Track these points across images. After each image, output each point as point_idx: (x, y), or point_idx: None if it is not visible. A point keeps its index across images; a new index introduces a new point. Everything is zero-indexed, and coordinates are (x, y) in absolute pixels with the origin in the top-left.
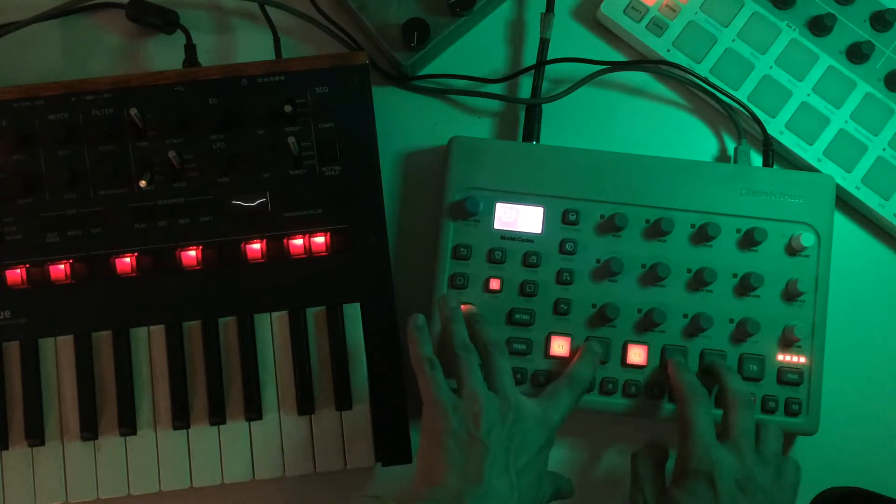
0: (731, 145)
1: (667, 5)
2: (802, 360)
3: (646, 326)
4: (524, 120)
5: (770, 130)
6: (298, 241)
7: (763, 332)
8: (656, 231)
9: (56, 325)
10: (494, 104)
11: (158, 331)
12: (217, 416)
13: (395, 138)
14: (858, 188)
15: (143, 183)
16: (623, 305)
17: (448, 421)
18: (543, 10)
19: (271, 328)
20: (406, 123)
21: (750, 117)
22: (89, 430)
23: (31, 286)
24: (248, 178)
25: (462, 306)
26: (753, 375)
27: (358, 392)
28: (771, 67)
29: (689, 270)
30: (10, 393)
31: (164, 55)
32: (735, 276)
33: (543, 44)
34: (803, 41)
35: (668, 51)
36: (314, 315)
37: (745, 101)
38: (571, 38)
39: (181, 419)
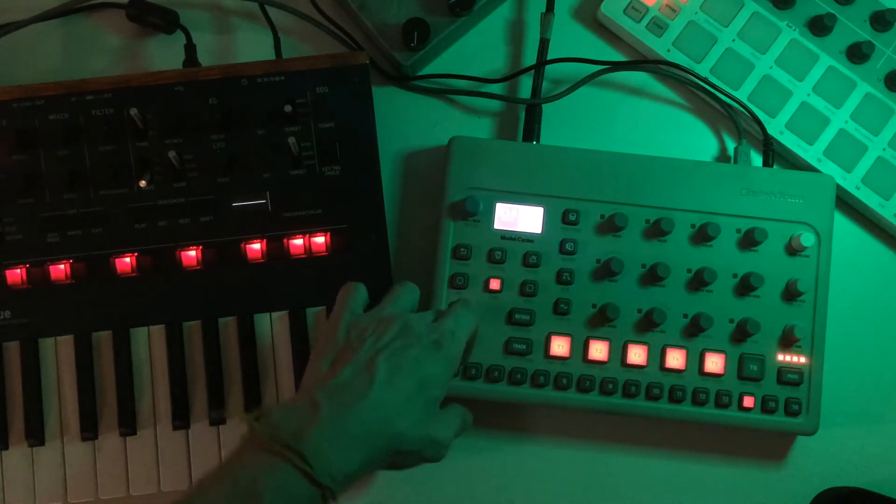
0: (731, 145)
1: (667, 5)
2: (802, 360)
3: (646, 326)
4: (524, 120)
5: (770, 130)
6: (298, 241)
7: (763, 332)
8: (656, 231)
9: (56, 325)
10: (494, 104)
11: (158, 331)
12: (217, 416)
13: (395, 138)
14: (858, 188)
15: (143, 183)
16: (623, 305)
17: (335, 333)
18: (543, 10)
19: (271, 328)
20: (406, 123)
21: (750, 117)
22: (89, 430)
23: (31, 286)
24: (248, 178)
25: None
26: (753, 375)
27: None
28: (771, 67)
29: (689, 270)
30: (10, 393)
31: (164, 55)
32: (735, 276)
33: (543, 44)
34: (803, 41)
35: (668, 51)
36: (314, 315)
37: (745, 101)
38: (571, 38)
39: (181, 419)
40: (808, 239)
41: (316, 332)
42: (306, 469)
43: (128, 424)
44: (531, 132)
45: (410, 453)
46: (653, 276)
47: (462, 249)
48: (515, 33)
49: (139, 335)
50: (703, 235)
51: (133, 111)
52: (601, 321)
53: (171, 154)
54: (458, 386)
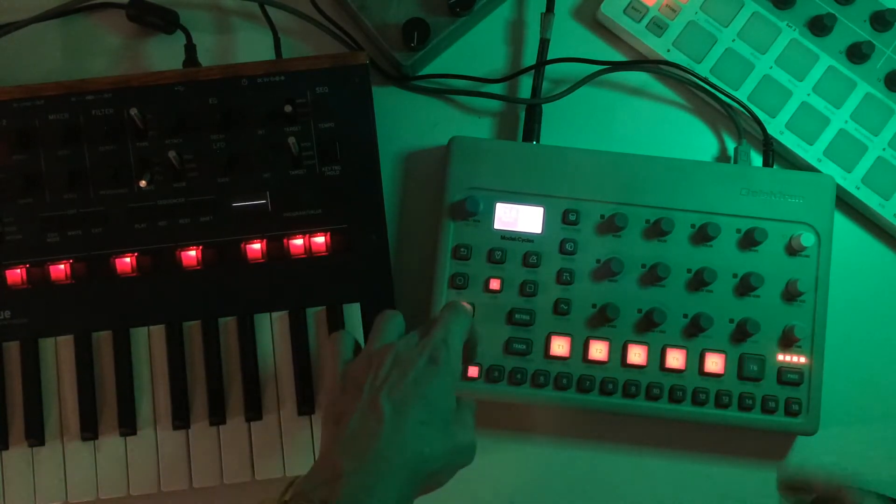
0: (731, 145)
1: (667, 5)
2: (802, 360)
3: (646, 326)
4: (524, 120)
5: (770, 130)
6: (298, 241)
7: (763, 332)
8: (656, 231)
9: (56, 325)
10: (494, 104)
11: (158, 331)
12: (217, 416)
13: (395, 138)
14: (858, 188)
15: (143, 183)
16: (623, 305)
17: (334, 388)
18: (543, 10)
19: (271, 328)
20: (406, 123)
21: (750, 117)
22: (89, 430)
23: (31, 286)
24: (248, 178)
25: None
26: (753, 375)
27: None
28: (771, 67)
29: (689, 270)
30: (10, 393)
31: (164, 55)
32: (735, 276)
33: (543, 44)
34: (803, 41)
35: (668, 51)
36: (314, 315)
37: (745, 101)
38: (571, 38)
39: (181, 419)
40: (808, 239)
41: (318, 396)
42: None
43: (128, 424)
44: (531, 132)
45: (442, 470)
46: (653, 276)
47: (462, 249)
48: (515, 33)
49: (139, 335)
50: (703, 235)
51: (133, 111)
52: (601, 321)
53: (171, 154)
54: (458, 386)
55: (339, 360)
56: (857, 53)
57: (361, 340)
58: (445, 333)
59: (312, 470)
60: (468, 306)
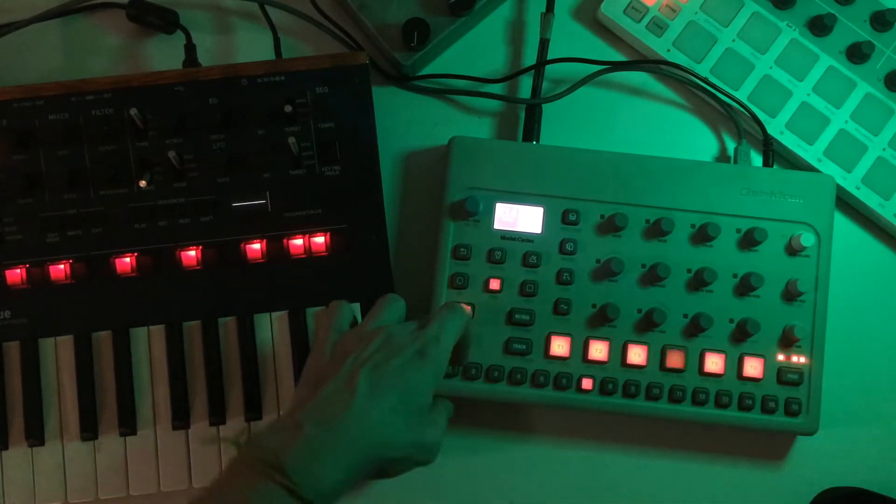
0: (731, 145)
1: (667, 5)
2: (802, 360)
3: (646, 326)
4: (524, 120)
5: (770, 130)
6: (298, 241)
7: (763, 332)
8: (656, 231)
9: (56, 325)
10: (494, 104)
11: (158, 331)
12: (217, 416)
13: (395, 138)
14: (858, 188)
15: (143, 183)
16: (623, 305)
17: (321, 354)
18: (543, 10)
19: (271, 328)
20: (406, 123)
21: (750, 117)
22: (89, 430)
23: (31, 286)
24: (248, 178)
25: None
26: (753, 375)
27: None
28: (771, 67)
29: (689, 270)
30: (10, 393)
31: (164, 55)
32: (735, 276)
33: (543, 44)
34: (803, 41)
35: (668, 51)
36: (314, 315)
37: (745, 101)
38: (571, 38)
39: (181, 419)
40: (808, 239)
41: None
42: (290, 486)
43: (128, 424)
44: (531, 132)
45: (400, 460)
46: (653, 276)
47: (462, 249)
48: (515, 33)
49: (139, 335)
50: (703, 235)
51: (133, 111)
52: (601, 321)
53: (171, 154)
54: (458, 386)
55: (333, 328)
56: (857, 53)
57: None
58: (440, 331)
59: (276, 422)
60: (467, 308)
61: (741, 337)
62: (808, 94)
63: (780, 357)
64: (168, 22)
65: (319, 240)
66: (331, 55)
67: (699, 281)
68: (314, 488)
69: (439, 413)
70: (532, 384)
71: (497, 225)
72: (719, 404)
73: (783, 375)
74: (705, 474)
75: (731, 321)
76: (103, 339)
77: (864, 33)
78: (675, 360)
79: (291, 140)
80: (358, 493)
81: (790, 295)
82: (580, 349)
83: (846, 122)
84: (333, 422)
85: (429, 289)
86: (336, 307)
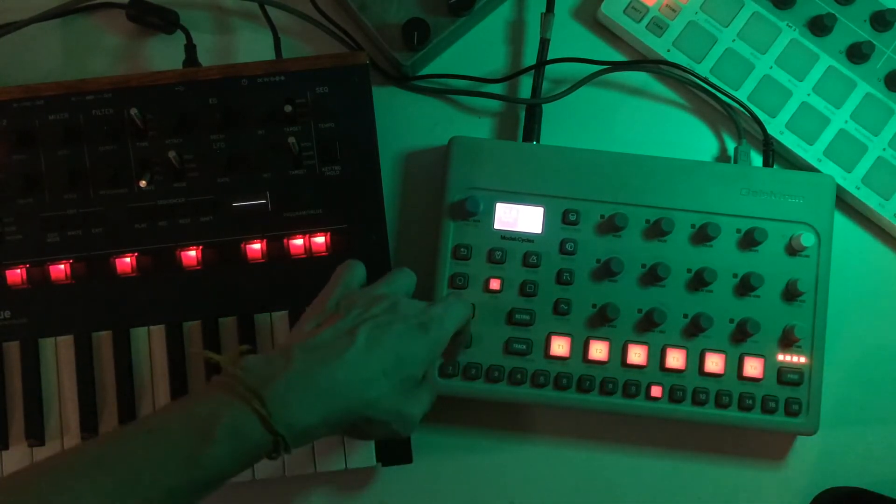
0: (731, 145)
1: (667, 5)
2: (802, 360)
3: (646, 326)
4: (524, 120)
5: (770, 130)
6: (298, 241)
7: (763, 332)
8: (656, 231)
9: (56, 325)
10: (494, 104)
11: (158, 331)
12: None
13: (395, 138)
14: (858, 188)
15: (143, 183)
16: (623, 305)
17: (325, 303)
18: (543, 10)
19: (271, 328)
20: (406, 123)
21: (750, 117)
22: (89, 430)
23: (31, 286)
24: (248, 178)
25: None
26: (753, 375)
27: None
28: (771, 67)
29: (689, 270)
30: (10, 393)
31: (164, 55)
32: (735, 276)
33: (543, 44)
34: (803, 41)
35: (668, 51)
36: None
37: (745, 101)
38: (571, 38)
39: None
40: (808, 239)
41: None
42: (264, 414)
43: None
44: (531, 132)
45: (378, 422)
46: (653, 276)
47: (462, 249)
48: (515, 33)
49: (139, 335)
50: (703, 235)
51: (133, 111)
52: (601, 321)
53: (171, 154)
54: (458, 386)
55: (343, 283)
56: (857, 53)
57: None
58: (444, 313)
59: (268, 354)
60: (471, 304)
61: (741, 337)
62: (809, 94)
63: (781, 357)
64: (168, 22)
65: (320, 240)
66: (331, 55)
67: (699, 281)
68: (287, 423)
69: (425, 392)
70: (532, 384)
71: (497, 225)
72: (719, 404)
73: (783, 375)
74: (705, 474)
75: (732, 321)
76: (103, 339)
77: (864, 33)
78: (675, 360)
79: (291, 140)
80: (360, 485)
81: (790, 295)
82: (580, 349)
83: (846, 122)
84: (324, 365)
85: (429, 289)
86: (350, 265)
